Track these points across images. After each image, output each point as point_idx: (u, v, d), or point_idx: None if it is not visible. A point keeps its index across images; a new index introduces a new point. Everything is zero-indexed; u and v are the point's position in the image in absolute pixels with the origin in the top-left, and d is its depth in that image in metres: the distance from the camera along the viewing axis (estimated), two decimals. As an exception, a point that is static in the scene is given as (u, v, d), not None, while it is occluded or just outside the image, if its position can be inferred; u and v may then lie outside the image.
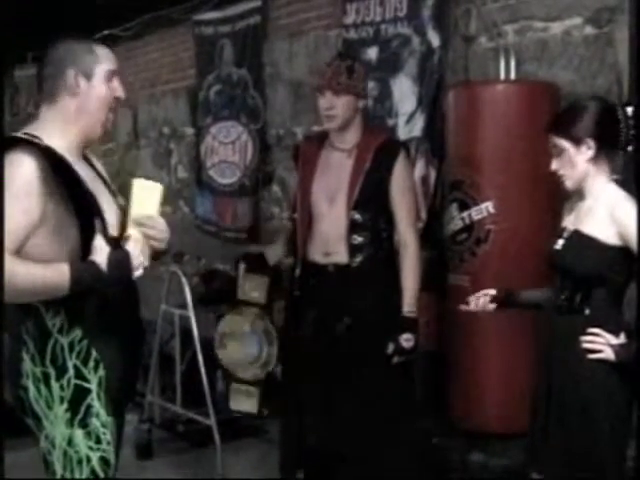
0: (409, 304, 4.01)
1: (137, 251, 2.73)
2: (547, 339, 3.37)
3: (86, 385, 2.76)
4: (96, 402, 2.77)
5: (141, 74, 8.25)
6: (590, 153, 3.20)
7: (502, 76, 4.85)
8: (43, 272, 2.61)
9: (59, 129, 2.79)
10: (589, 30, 4.65)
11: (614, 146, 3.28)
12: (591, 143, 3.19)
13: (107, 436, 2.80)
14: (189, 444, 5.66)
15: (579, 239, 3.23)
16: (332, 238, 4.03)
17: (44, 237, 2.66)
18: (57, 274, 2.62)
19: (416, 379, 4.30)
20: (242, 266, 4.34)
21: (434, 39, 5.38)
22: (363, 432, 4.04)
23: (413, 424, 4.21)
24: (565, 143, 3.20)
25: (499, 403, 4.45)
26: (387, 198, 4.03)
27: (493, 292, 3.56)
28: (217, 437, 5.13)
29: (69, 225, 2.69)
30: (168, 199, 8.23)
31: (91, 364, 2.76)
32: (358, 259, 4.01)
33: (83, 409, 2.75)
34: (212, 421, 5.15)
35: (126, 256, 2.71)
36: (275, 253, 4.32)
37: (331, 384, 4.04)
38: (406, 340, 3.96)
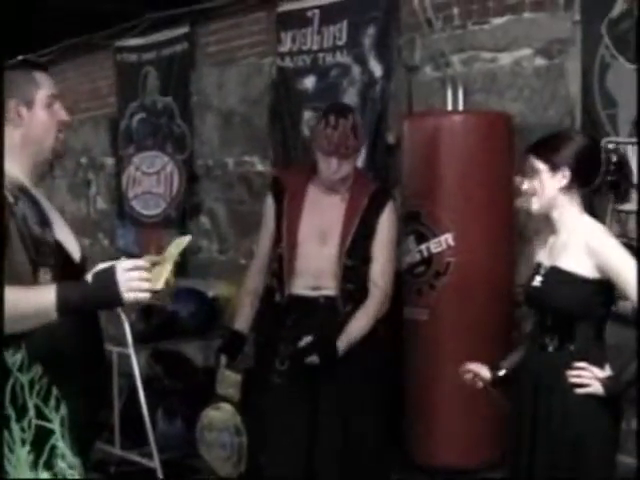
0: (344, 341, 3.84)
1: (134, 274, 2.47)
2: (529, 374, 3.30)
3: (49, 426, 2.57)
4: (60, 442, 2.59)
5: (57, 102, 8.00)
6: (563, 182, 3.17)
7: (449, 107, 4.81)
8: (25, 295, 2.45)
9: (8, 159, 2.62)
10: (539, 61, 4.65)
11: (588, 183, 3.27)
12: (566, 173, 3.16)
13: (75, 476, 2.61)
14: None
15: (558, 275, 3.18)
16: (323, 276, 3.92)
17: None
18: (42, 295, 2.45)
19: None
20: (223, 359, 4.19)
21: (376, 69, 5.33)
22: (332, 462, 3.96)
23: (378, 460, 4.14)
24: (541, 165, 3.16)
25: (458, 438, 4.39)
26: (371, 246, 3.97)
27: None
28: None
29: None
30: (87, 231, 8.01)
31: (52, 403, 2.58)
32: (349, 307, 3.92)
33: (47, 450, 2.56)
34: (156, 463, 4.94)
35: (112, 273, 2.46)
36: (245, 320, 4.17)
37: (311, 424, 3.94)
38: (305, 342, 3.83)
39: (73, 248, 2.70)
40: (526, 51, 4.70)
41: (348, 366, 3.88)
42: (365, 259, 3.94)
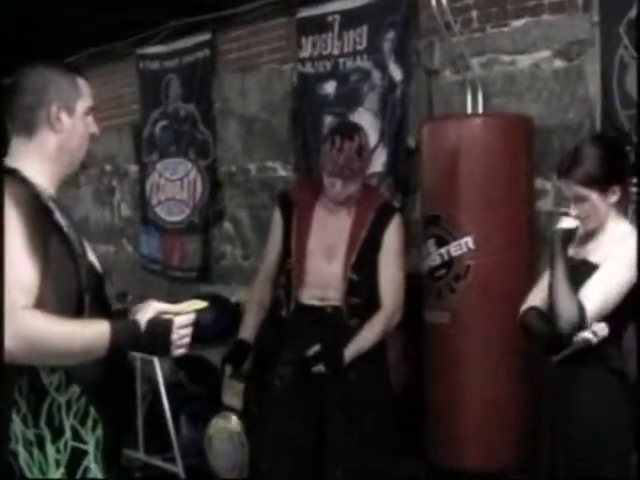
0: (351, 350, 3.88)
1: (185, 332, 2.49)
2: (547, 372, 3.31)
3: (83, 447, 2.53)
4: (93, 464, 2.55)
5: (80, 110, 8.04)
6: (614, 198, 3.18)
7: (469, 110, 4.81)
8: (81, 331, 2.39)
9: (37, 165, 2.57)
10: (558, 63, 4.63)
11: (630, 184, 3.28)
12: (616, 189, 3.17)
13: None
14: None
15: (586, 269, 3.18)
16: (330, 289, 3.96)
17: (46, 283, 2.40)
18: (96, 334, 2.40)
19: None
20: (228, 368, 4.22)
21: (396, 73, 5.32)
22: (337, 464, 3.97)
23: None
24: (590, 193, 3.14)
25: (480, 442, 4.37)
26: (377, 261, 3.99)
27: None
28: (184, 484, 4.96)
29: (67, 270, 2.47)
30: (111, 238, 8.06)
31: (89, 424, 2.54)
32: (355, 320, 3.94)
33: (80, 472, 2.52)
34: (179, 468, 4.97)
35: (168, 330, 2.46)
36: (250, 329, 4.19)
37: (313, 430, 3.97)
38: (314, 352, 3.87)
39: (96, 263, 2.63)
40: (545, 53, 4.67)
41: (351, 369, 3.91)
42: (371, 273, 3.96)
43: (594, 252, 3.19)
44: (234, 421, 4.41)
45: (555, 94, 4.64)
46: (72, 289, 2.47)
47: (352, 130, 4.02)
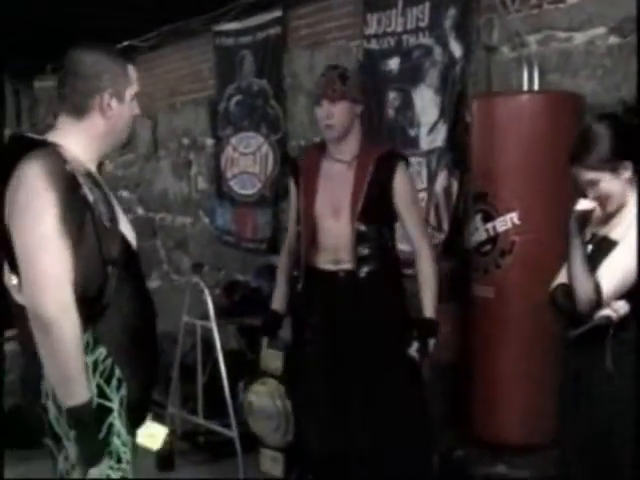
0: (430, 310, 4.04)
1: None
2: (569, 349, 3.34)
3: (108, 404, 2.70)
4: (117, 421, 2.72)
5: (160, 85, 8.25)
6: (628, 174, 3.15)
7: (525, 87, 4.83)
8: (77, 366, 2.59)
9: (83, 144, 2.77)
10: (613, 40, 4.61)
11: None
12: (628, 164, 3.14)
13: (127, 455, 2.76)
14: (210, 455, 5.64)
15: (607, 245, 3.19)
16: (341, 249, 4.06)
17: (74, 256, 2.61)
18: (81, 390, 2.61)
19: (437, 391, 4.31)
20: (265, 339, 4.46)
21: (456, 49, 5.36)
22: (371, 437, 4.08)
23: (424, 427, 4.23)
24: (601, 175, 3.13)
25: (522, 415, 4.42)
26: (390, 210, 4.08)
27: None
28: (239, 449, 5.11)
29: (92, 242, 2.65)
30: (188, 210, 8.27)
31: (114, 383, 2.71)
32: (365, 269, 4.04)
33: (105, 428, 2.70)
34: (234, 433, 5.14)
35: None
36: (281, 298, 4.35)
37: (340, 388, 4.08)
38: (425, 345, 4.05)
39: (131, 235, 2.80)
40: (600, 30, 4.65)
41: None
42: (380, 222, 4.07)
43: (615, 229, 3.19)
44: (273, 384, 4.57)
45: (609, 71, 4.63)
46: (96, 261, 2.64)
47: (338, 65, 4.36)
